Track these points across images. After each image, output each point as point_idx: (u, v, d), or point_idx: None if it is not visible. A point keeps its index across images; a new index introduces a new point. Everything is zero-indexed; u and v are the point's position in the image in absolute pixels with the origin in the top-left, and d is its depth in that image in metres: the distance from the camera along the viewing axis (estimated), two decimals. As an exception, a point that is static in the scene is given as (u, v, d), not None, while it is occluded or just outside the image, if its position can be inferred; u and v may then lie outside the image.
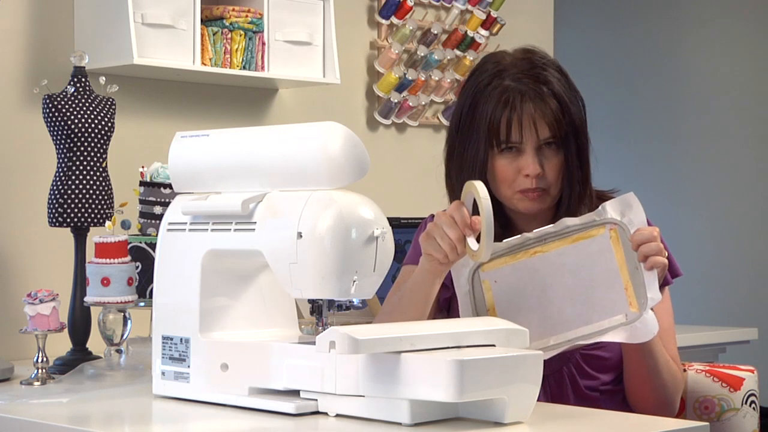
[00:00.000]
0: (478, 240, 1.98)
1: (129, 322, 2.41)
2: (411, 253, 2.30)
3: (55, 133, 2.56)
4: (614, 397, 2.19)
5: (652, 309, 2.01)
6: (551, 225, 2.08)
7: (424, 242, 2.02)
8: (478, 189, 1.95)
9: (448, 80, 3.77)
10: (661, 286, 2.18)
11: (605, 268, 2.04)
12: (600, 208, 2.06)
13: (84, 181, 2.54)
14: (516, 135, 2.14)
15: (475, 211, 1.98)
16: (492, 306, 2.08)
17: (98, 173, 2.56)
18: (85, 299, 2.38)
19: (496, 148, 2.16)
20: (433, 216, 2.32)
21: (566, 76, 2.21)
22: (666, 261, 2.02)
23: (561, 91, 2.16)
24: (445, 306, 2.22)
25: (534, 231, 2.07)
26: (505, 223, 2.23)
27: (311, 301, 1.98)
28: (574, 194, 2.18)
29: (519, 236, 2.08)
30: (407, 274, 2.27)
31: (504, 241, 2.09)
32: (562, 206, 2.19)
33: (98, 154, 2.57)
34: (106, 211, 2.56)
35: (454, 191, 2.26)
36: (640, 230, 2.02)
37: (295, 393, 1.89)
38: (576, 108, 2.18)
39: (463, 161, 2.22)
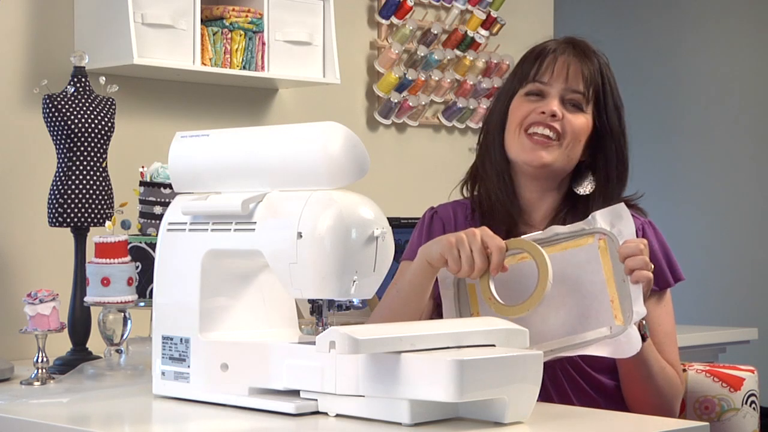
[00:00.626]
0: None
1: (129, 322, 2.41)
2: (409, 248, 2.30)
3: (55, 133, 2.56)
4: (614, 396, 2.19)
5: (642, 323, 2.00)
6: (540, 231, 2.07)
7: (446, 249, 2.00)
8: (546, 259, 1.96)
9: (448, 80, 3.76)
10: (662, 289, 2.18)
11: (592, 278, 2.03)
12: (590, 217, 2.05)
13: (84, 181, 2.54)
14: (546, 74, 2.17)
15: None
16: (477, 311, 2.08)
17: (98, 173, 2.56)
18: (85, 299, 2.38)
19: (522, 87, 2.19)
20: (432, 208, 2.32)
21: (610, 69, 2.23)
22: (651, 276, 2.00)
23: (604, 68, 2.20)
24: (440, 301, 2.22)
25: (522, 237, 2.06)
26: (513, 203, 2.23)
27: (311, 301, 1.98)
28: (601, 171, 2.19)
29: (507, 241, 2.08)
30: (405, 269, 2.27)
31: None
32: (583, 180, 2.20)
33: (98, 154, 2.57)
34: (106, 211, 2.56)
35: (485, 144, 2.26)
36: (628, 242, 2.00)
37: (295, 393, 1.89)
38: (612, 93, 2.20)
39: (493, 107, 2.26)
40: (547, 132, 2.16)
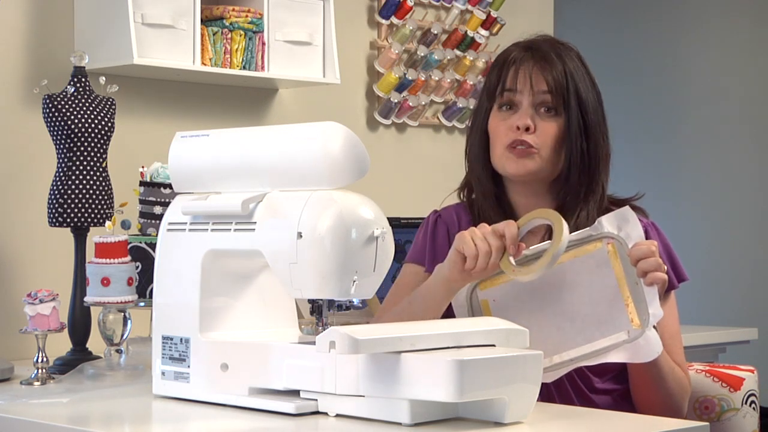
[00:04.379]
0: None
1: (129, 322, 2.41)
2: (412, 251, 2.30)
3: (55, 133, 2.56)
4: (614, 399, 2.19)
5: (655, 326, 2.00)
6: (548, 242, 2.07)
7: (459, 239, 1.98)
8: (563, 225, 1.95)
9: (448, 80, 3.77)
10: (667, 291, 2.18)
11: (604, 283, 2.02)
12: (596, 222, 2.05)
13: (84, 181, 2.54)
14: (512, 87, 2.18)
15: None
16: None
17: (98, 173, 2.56)
18: (85, 299, 2.38)
19: (495, 103, 2.21)
20: (436, 211, 2.32)
21: (584, 63, 2.24)
22: (665, 276, 2.00)
23: (571, 65, 2.19)
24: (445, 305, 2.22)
25: (530, 248, 2.06)
26: (506, 211, 2.23)
27: (311, 301, 1.98)
28: (574, 168, 2.17)
29: None
30: (408, 272, 2.27)
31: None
32: (561, 180, 2.19)
33: (98, 154, 2.57)
34: (106, 211, 2.56)
35: (468, 156, 2.28)
36: (638, 245, 2.00)
37: (295, 393, 1.89)
38: (585, 87, 2.20)
39: (473, 123, 2.27)
40: (522, 138, 2.17)
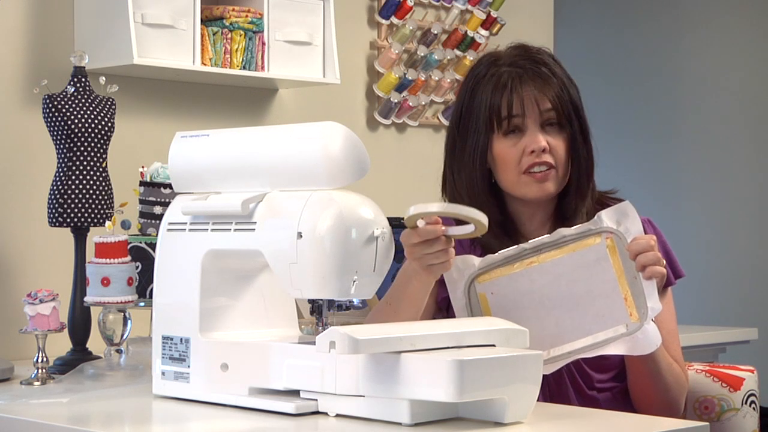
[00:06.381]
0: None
1: (129, 322, 2.41)
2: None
3: (55, 133, 2.56)
4: (614, 396, 2.19)
5: (653, 320, 2.00)
6: (547, 235, 2.07)
7: (416, 268, 2.00)
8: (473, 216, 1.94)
9: (448, 80, 3.77)
10: (664, 287, 2.18)
11: (603, 278, 2.03)
12: (596, 217, 2.05)
13: (84, 181, 2.54)
14: (518, 113, 2.16)
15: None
16: None
17: (98, 173, 2.56)
18: (85, 299, 2.38)
19: (498, 131, 2.18)
20: None
21: (560, 63, 2.24)
22: (664, 271, 2.01)
23: (560, 73, 2.20)
24: (444, 305, 2.22)
25: (530, 241, 2.07)
26: (508, 223, 2.23)
27: (311, 301, 1.98)
28: (583, 174, 2.19)
29: (515, 247, 2.07)
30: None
31: (499, 252, 2.08)
32: (571, 188, 2.19)
33: (98, 154, 2.57)
34: (106, 211, 2.56)
35: (455, 190, 2.25)
36: (637, 239, 2.01)
37: (295, 393, 1.89)
38: (574, 90, 2.21)
39: (464, 154, 2.23)
40: (544, 168, 2.16)
